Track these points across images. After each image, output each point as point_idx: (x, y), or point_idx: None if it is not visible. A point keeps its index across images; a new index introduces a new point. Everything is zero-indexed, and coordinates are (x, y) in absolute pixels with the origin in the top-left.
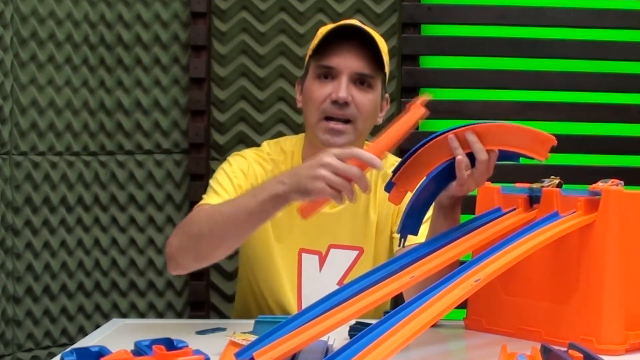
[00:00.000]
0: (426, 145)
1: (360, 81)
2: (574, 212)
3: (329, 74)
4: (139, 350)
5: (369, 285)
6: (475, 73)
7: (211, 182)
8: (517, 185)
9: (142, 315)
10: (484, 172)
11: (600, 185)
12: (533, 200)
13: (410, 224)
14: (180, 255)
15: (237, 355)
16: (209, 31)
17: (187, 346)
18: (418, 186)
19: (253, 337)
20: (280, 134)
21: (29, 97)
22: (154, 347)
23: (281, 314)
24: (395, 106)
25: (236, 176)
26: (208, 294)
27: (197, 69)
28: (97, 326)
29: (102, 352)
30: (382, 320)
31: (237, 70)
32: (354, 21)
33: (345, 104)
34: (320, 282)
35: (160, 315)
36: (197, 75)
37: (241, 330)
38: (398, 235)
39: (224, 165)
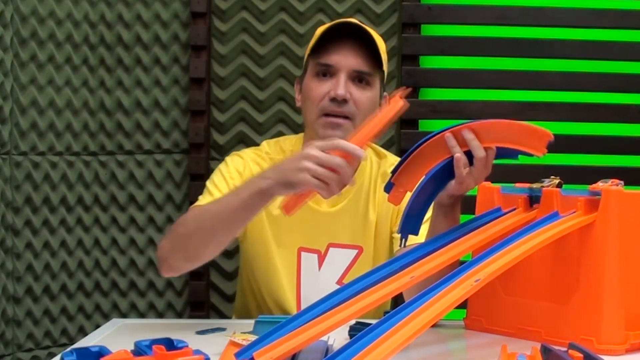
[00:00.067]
0: (424, 145)
1: (358, 79)
2: (574, 212)
3: (327, 72)
4: (139, 350)
5: (369, 285)
6: (475, 73)
7: (207, 183)
8: (517, 185)
9: (142, 315)
10: (482, 169)
11: (600, 185)
12: (533, 200)
13: (410, 223)
14: (172, 257)
15: (237, 355)
16: (209, 31)
17: (187, 346)
18: (417, 186)
19: (253, 337)
20: (280, 134)
21: (29, 97)
22: (154, 347)
23: (280, 312)
24: None
25: (232, 177)
26: (208, 294)
27: (197, 69)
28: (97, 326)
29: (102, 352)
30: (382, 320)
31: (237, 70)
32: (351, 19)
33: (343, 102)
34: (319, 281)
35: (160, 315)
36: (197, 75)
37: (241, 330)
38: (398, 236)
39: (221, 165)
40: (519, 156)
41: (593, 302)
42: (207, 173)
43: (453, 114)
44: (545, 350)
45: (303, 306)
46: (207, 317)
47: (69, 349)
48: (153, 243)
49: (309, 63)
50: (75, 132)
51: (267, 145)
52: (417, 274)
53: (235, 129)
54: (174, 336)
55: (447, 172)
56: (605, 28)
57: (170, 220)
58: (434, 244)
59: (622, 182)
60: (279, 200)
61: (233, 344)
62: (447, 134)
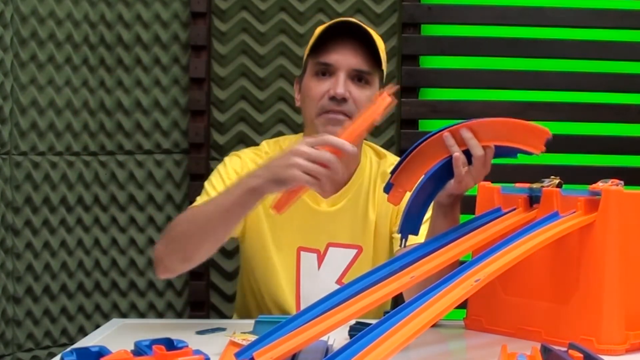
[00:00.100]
0: (422, 145)
1: (357, 78)
2: (574, 212)
3: (326, 71)
4: (139, 350)
5: (369, 285)
6: (475, 73)
7: (205, 183)
8: (517, 185)
9: (142, 315)
10: (481, 168)
11: (600, 185)
12: (533, 200)
13: (410, 223)
14: (167, 258)
15: (237, 355)
16: (209, 31)
17: (187, 346)
18: (416, 185)
19: (253, 337)
20: (280, 134)
21: (29, 97)
22: (154, 347)
23: (279, 312)
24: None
25: (229, 177)
26: (208, 294)
27: (197, 69)
28: (97, 326)
29: (102, 352)
30: (382, 320)
31: (237, 70)
32: (350, 18)
33: (343, 100)
34: (318, 280)
35: (160, 315)
36: (197, 75)
37: (241, 330)
38: (398, 236)
39: (219, 166)
40: (519, 155)
41: (593, 302)
42: (207, 173)
43: (453, 114)
44: (545, 350)
45: (302, 306)
46: (207, 317)
47: (69, 349)
48: (153, 243)
49: (309, 62)
50: (75, 132)
51: (267, 145)
52: (417, 274)
53: (235, 129)
54: (174, 336)
55: (446, 171)
56: (605, 28)
57: (170, 220)
58: (434, 244)
59: (622, 182)
60: (275, 199)
61: (233, 344)
62: (446, 134)
